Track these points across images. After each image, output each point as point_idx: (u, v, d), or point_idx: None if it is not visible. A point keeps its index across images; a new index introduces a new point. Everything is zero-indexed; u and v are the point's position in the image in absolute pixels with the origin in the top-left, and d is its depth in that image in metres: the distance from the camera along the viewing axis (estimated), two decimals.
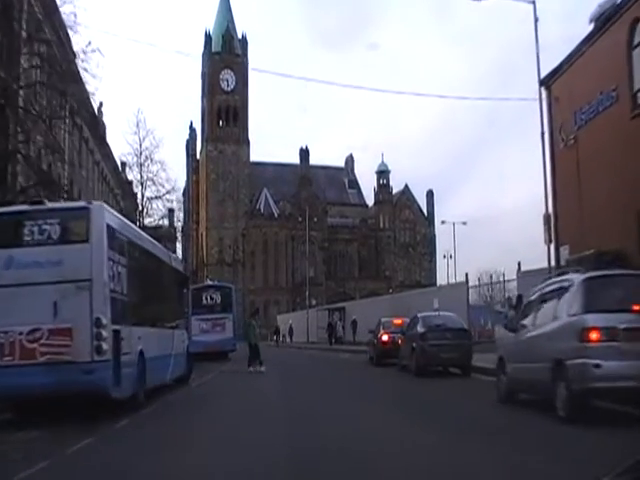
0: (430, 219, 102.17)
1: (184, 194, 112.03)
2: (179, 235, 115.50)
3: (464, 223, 65.75)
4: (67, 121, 32.24)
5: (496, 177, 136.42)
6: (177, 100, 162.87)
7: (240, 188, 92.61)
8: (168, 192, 32.65)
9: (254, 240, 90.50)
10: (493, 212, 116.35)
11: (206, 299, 28.77)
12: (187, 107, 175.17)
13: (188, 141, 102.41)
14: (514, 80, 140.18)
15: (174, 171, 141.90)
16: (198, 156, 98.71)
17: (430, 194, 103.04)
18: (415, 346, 16.51)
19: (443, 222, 64.83)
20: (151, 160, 32.13)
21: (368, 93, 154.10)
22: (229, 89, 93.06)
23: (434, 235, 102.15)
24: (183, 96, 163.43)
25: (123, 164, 62.10)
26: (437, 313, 18.04)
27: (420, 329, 16.86)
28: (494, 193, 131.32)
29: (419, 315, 17.94)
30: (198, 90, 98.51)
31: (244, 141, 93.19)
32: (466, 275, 31.69)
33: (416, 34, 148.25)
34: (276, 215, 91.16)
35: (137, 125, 32.25)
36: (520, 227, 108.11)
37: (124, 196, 57.51)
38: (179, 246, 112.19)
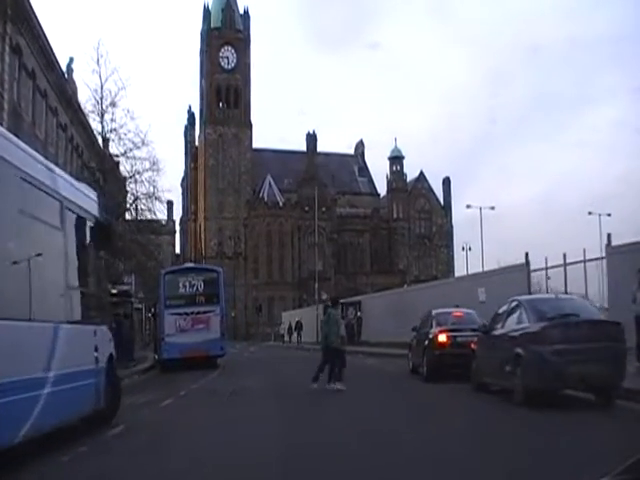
0: (447, 208, 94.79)
1: (182, 184, 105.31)
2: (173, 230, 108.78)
3: (492, 208, 58.80)
4: (7, 58, 25.12)
5: (503, 173, 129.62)
6: (176, 90, 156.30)
7: (242, 175, 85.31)
8: (137, 147, 24.88)
9: (257, 231, 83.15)
10: (505, 205, 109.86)
11: (184, 287, 21.50)
12: (187, 97, 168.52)
13: (186, 127, 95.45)
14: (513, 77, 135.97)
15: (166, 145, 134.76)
16: (197, 143, 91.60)
17: (447, 182, 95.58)
18: (524, 354, 9.21)
19: (469, 206, 57.45)
20: (114, 105, 24.39)
21: (373, 86, 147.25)
22: (229, 67, 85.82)
23: (451, 226, 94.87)
24: (183, 86, 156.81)
25: (105, 140, 54.93)
26: (553, 296, 10.74)
27: (531, 323, 9.53)
28: (504, 186, 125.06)
29: (522, 299, 10.56)
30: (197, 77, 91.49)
31: (246, 124, 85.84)
32: (526, 255, 24.39)
33: (417, 33, 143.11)
34: (281, 204, 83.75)
35: (97, 61, 24.60)
36: (531, 221, 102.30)
37: (105, 177, 50.12)
38: (178, 240, 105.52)
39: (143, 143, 24.33)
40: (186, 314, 21.16)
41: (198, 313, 21.26)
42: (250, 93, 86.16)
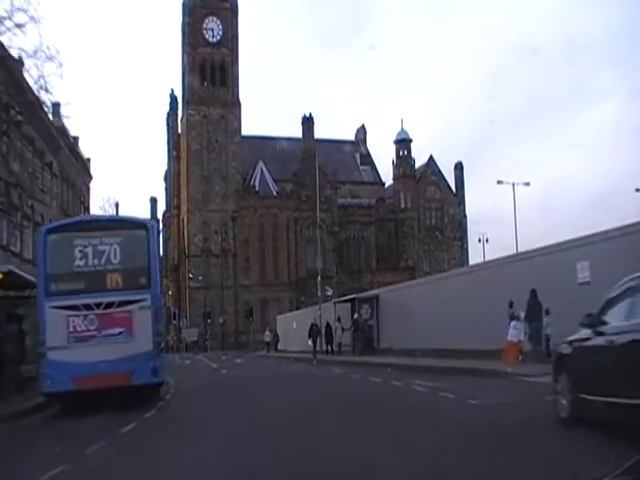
0: (460, 197, 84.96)
1: (165, 178, 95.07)
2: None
3: (527, 184, 49.53)
4: None
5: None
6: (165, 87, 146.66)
7: (229, 161, 75.10)
8: (18, 24, 14.42)
9: (248, 224, 73.06)
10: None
11: (83, 257, 11.48)
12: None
13: (168, 114, 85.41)
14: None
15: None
16: (180, 128, 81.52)
17: (459, 167, 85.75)
18: None
19: (500, 182, 48.17)
20: None
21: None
22: (214, 40, 75.75)
23: (465, 216, 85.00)
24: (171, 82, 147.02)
25: (56, 104, 45.09)
26: None
27: None
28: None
29: None
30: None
31: (234, 103, 75.71)
32: None
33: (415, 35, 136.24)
34: (274, 193, 73.73)
35: None
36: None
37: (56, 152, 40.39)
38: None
39: (31, 18, 14.10)
40: (87, 308, 11.26)
41: (110, 306, 11.36)
42: (238, 69, 76.14)
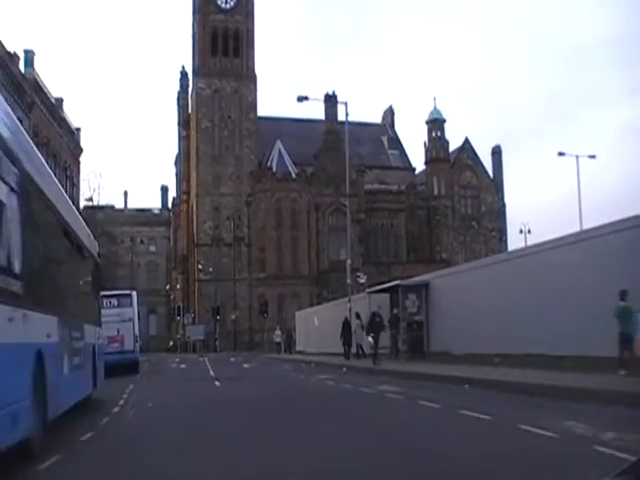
0: (498, 183, 76.90)
1: (176, 163, 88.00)
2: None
3: (592, 156, 41.73)
4: None
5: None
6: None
7: (243, 139, 67.62)
8: None
9: (263, 209, 65.49)
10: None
11: None
12: None
13: (179, 93, 78.39)
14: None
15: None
16: (190, 106, 74.29)
17: (497, 152, 77.68)
18: None
19: (561, 154, 40.37)
20: None
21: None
22: (228, 7, 68.44)
23: (504, 204, 76.94)
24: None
25: (28, 52, 37.99)
26: None
27: None
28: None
29: None
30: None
31: (249, 76, 68.26)
32: None
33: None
34: (294, 175, 66.11)
35: None
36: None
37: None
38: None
39: None
40: None
41: None
42: (254, 38, 68.72)
